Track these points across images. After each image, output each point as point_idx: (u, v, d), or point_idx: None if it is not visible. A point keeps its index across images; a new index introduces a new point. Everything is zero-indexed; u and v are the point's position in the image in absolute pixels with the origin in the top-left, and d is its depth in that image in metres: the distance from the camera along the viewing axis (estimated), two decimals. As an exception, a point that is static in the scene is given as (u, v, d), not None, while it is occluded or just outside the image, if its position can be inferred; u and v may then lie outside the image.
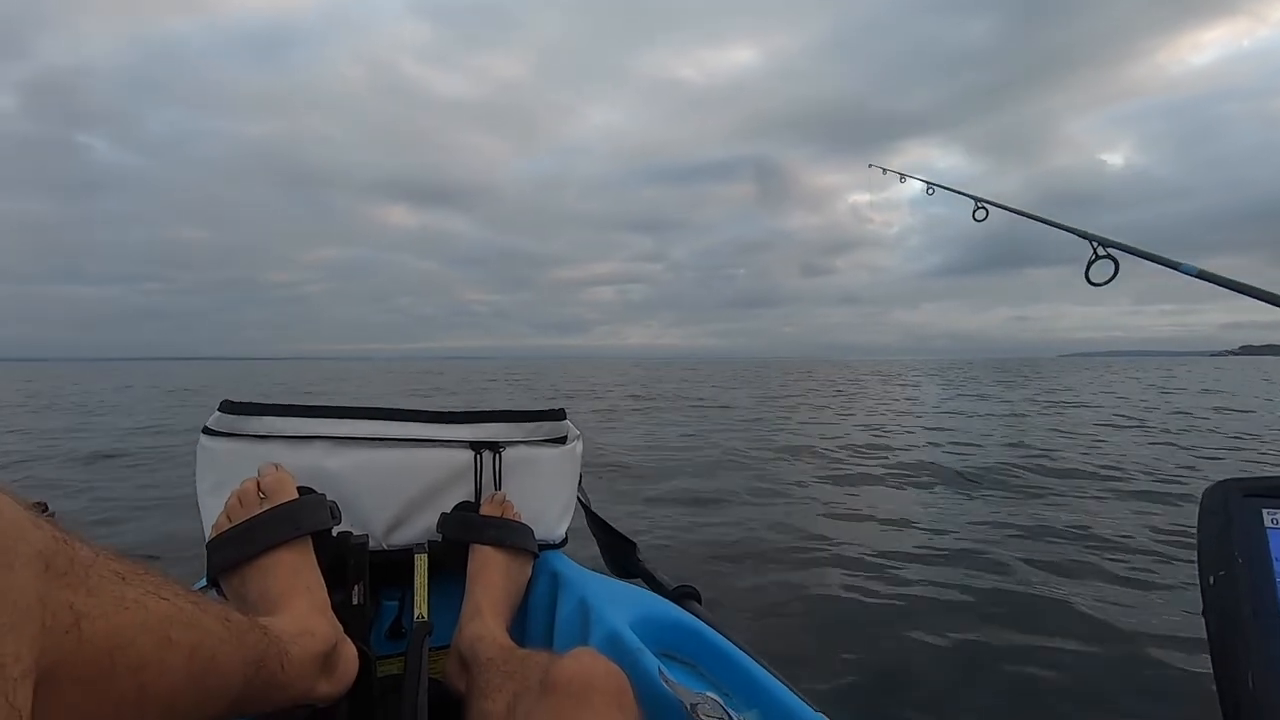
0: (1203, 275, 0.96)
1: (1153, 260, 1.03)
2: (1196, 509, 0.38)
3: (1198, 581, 0.37)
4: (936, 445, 6.66)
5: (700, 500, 4.12)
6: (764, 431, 7.82)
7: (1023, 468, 5.19)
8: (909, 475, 4.98)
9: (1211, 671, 0.35)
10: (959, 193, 1.75)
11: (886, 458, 5.84)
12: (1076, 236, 1.14)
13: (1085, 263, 1.07)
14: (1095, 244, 1.07)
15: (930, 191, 1.96)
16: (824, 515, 3.75)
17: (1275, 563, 0.36)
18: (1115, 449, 6.29)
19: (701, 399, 13.71)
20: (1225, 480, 0.39)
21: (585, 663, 0.53)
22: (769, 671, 0.71)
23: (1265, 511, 0.37)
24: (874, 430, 7.97)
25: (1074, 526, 3.41)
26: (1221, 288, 0.91)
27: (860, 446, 6.47)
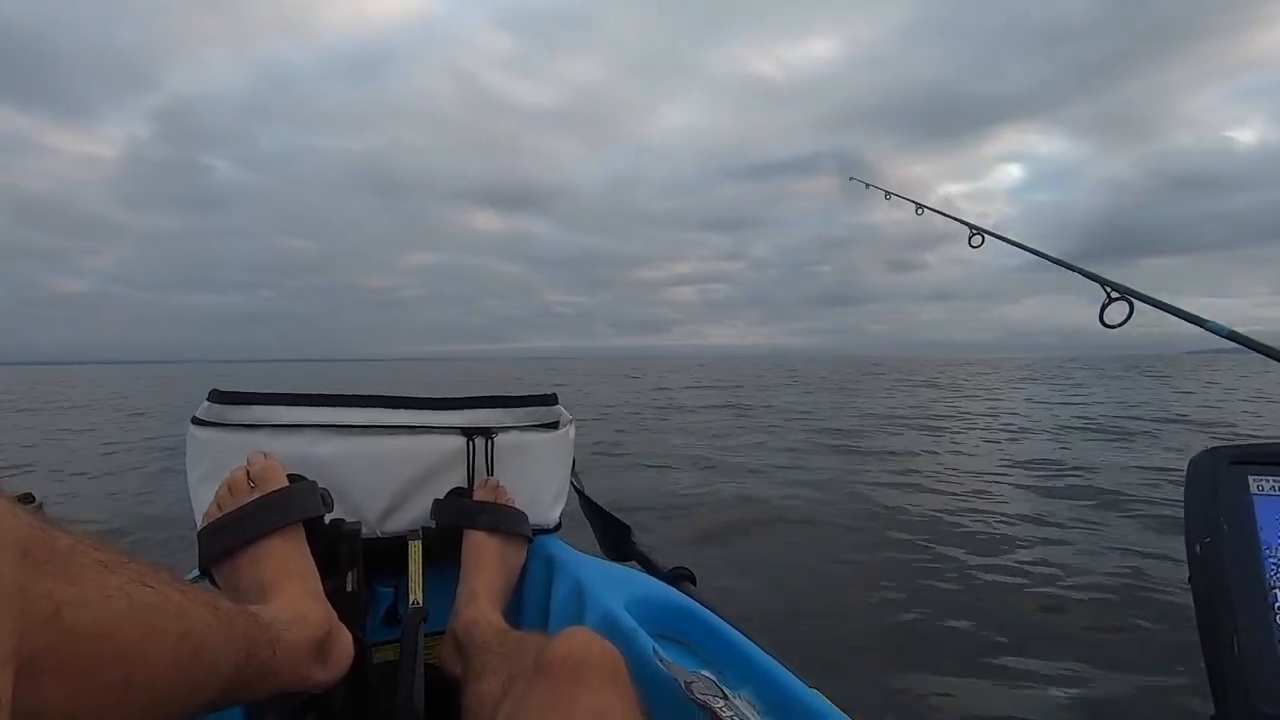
0: (1234, 337, 0.87)
1: (1172, 313, 0.97)
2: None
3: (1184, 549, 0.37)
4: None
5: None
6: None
7: None
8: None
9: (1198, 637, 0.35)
10: (950, 217, 1.64)
11: None
12: (1087, 279, 1.10)
13: (1100, 305, 1.05)
14: (1108, 289, 1.05)
15: (920, 213, 1.85)
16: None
17: (1261, 530, 0.36)
18: None
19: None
20: (1213, 448, 0.39)
21: (579, 641, 0.53)
22: (762, 650, 0.71)
23: (1250, 478, 0.37)
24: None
25: None
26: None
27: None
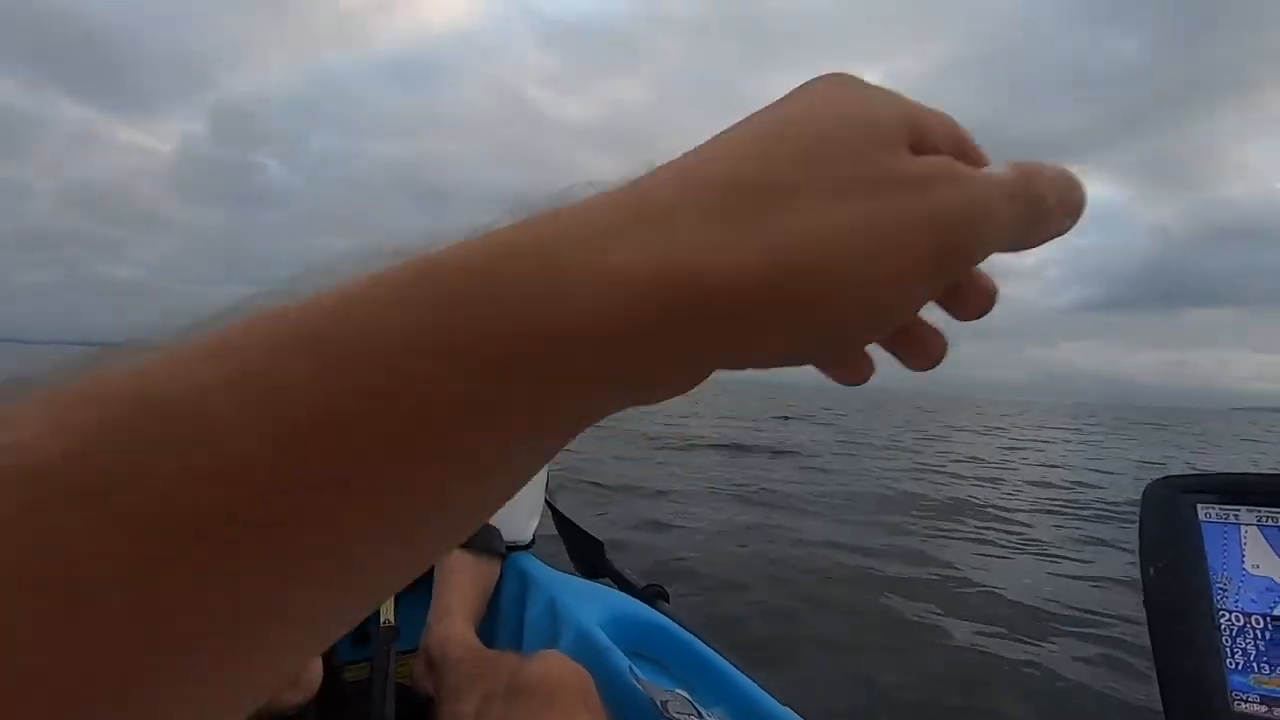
0: None
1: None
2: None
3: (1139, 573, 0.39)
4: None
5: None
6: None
7: None
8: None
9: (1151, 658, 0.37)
10: None
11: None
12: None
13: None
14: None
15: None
16: None
17: (1208, 556, 0.38)
18: None
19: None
20: (1165, 477, 0.42)
21: (552, 665, 0.53)
22: (736, 668, 0.72)
23: (1199, 506, 0.40)
24: None
25: None
26: None
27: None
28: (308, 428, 0.11)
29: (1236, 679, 0.35)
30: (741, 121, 0.17)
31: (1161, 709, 0.36)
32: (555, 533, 1.22)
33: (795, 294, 0.15)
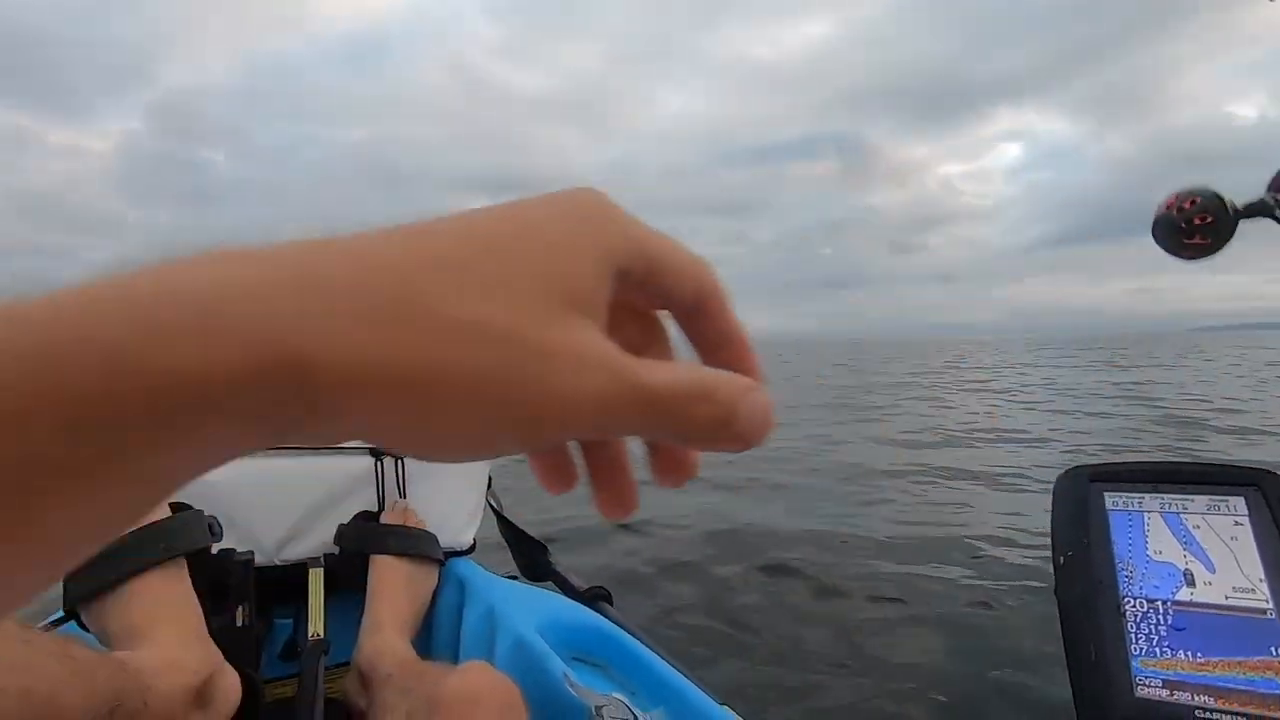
0: None
1: None
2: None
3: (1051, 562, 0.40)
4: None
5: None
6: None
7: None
8: None
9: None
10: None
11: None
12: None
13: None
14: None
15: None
16: None
17: (1114, 543, 0.39)
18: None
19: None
20: (1075, 467, 0.43)
21: (472, 679, 0.52)
22: (676, 669, 0.72)
23: (1107, 494, 0.41)
24: None
25: None
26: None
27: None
28: None
29: (1139, 664, 0.35)
30: (467, 213, 0.17)
31: (1072, 696, 0.37)
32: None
33: (403, 400, 0.14)
